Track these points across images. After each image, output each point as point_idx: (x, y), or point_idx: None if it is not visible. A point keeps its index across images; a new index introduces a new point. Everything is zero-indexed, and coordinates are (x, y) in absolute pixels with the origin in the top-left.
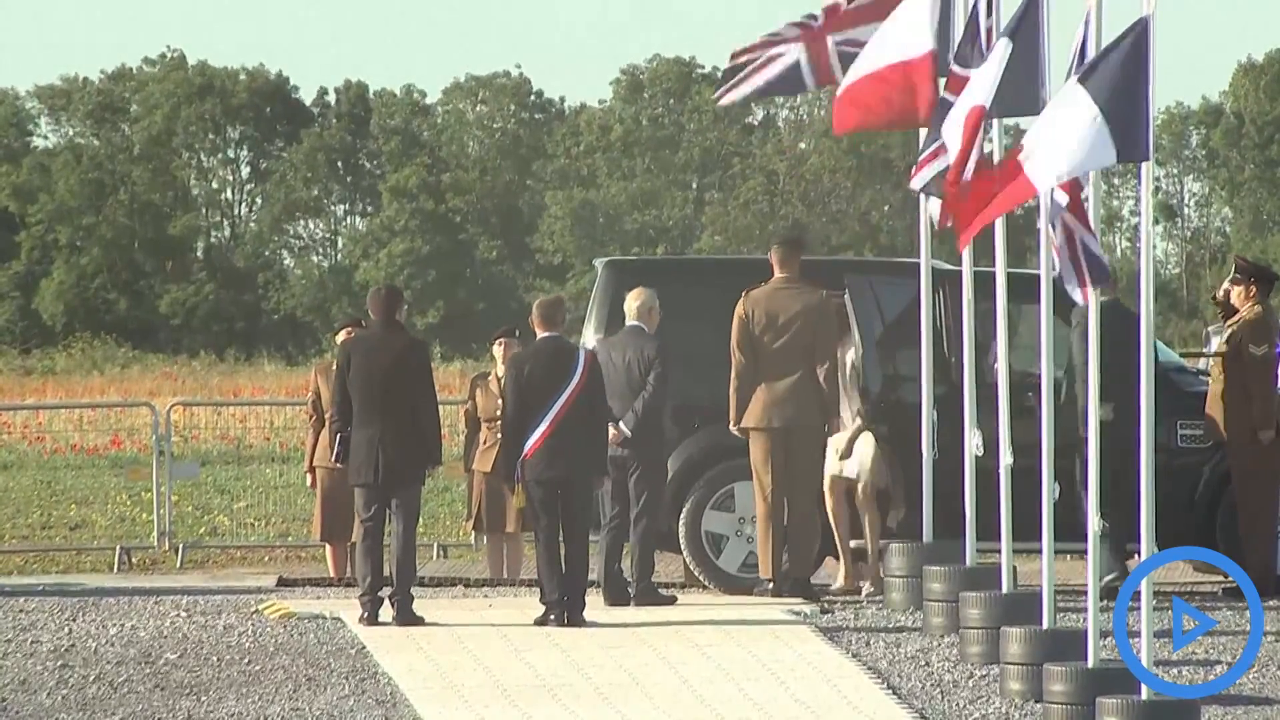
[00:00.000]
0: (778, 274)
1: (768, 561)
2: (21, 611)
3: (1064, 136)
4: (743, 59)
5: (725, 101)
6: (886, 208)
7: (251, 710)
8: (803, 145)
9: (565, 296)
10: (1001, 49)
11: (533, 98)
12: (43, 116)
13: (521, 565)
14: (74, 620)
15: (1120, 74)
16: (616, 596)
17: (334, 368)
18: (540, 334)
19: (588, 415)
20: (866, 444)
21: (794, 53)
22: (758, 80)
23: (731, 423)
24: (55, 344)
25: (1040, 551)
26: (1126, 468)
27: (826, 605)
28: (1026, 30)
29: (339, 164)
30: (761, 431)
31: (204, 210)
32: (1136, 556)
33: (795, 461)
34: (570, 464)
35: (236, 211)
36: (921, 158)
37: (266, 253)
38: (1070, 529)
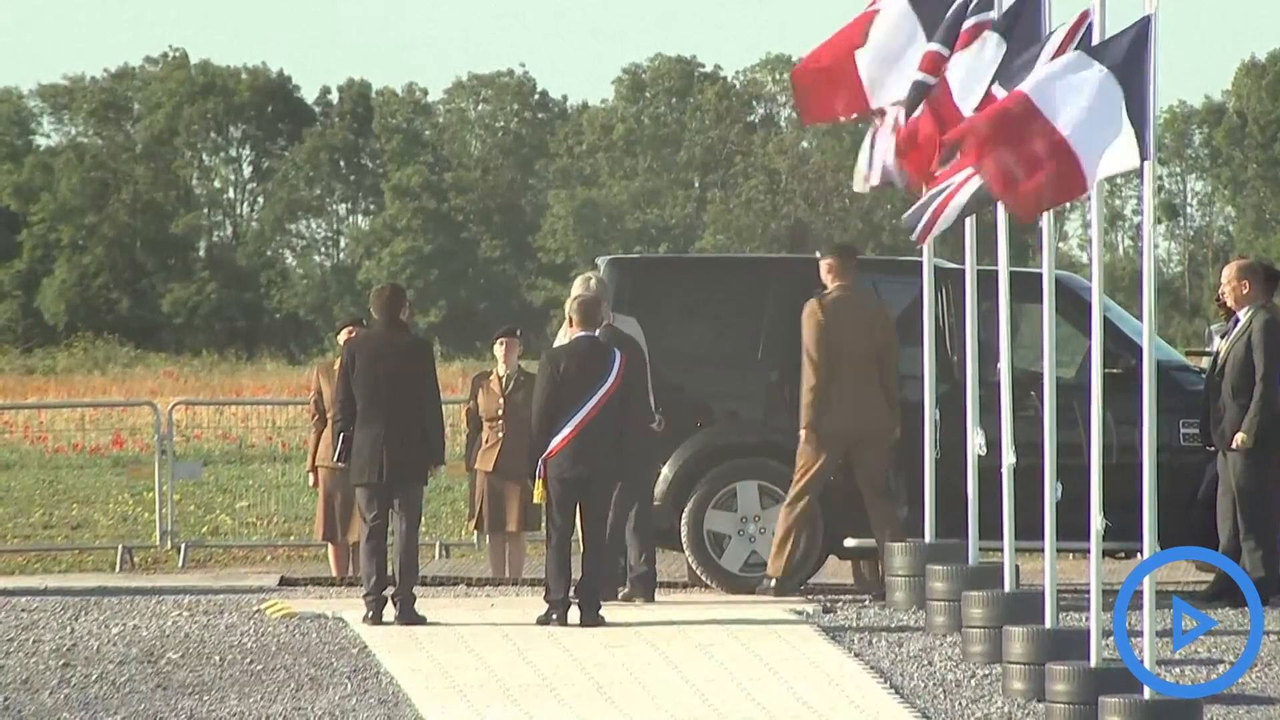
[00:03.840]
0: (838, 282)
1: (782, 562)
2: (24, 611)
3: (1105, 129)
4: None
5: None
6: (889, 206)
7: (254, 710)
8: (805, 144)
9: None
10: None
11: (535, 97)
12: (45, 115)
13: (524, 564)
14: (76, 619)
15: (1131, 73)
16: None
17: (335, 367)
18: (577, 333)
19: (617, 416)
20: None
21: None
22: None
23: (804, 426)
24: (57, 343)
25: (1043, 551)
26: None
27: (829, 605)
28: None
29: (341, 163)
30: (832, 437)
31: (206, 209)
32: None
33: (862, 466)
34: (595, 464)
35: (239, 210)
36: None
37: (269, 252)
38: (1073, 529)
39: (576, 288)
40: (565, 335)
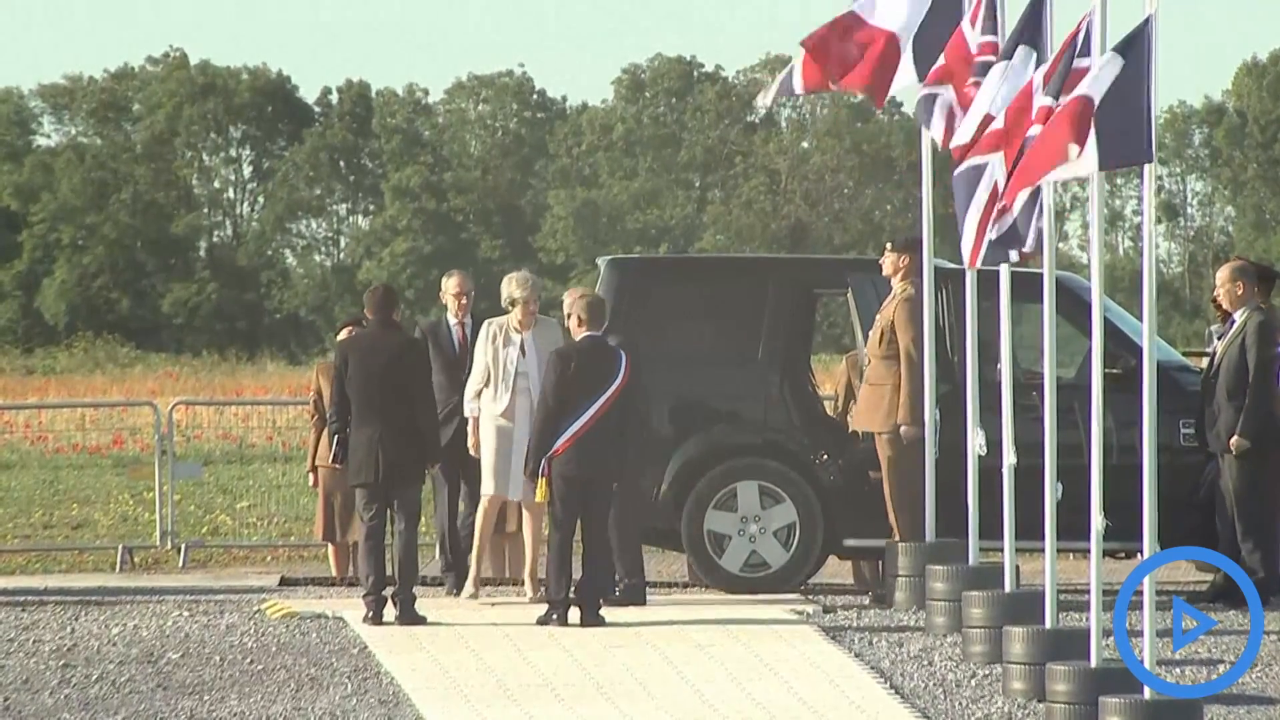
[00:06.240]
0: (910, 277)
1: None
2: (24, 611)
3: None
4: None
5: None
6: (889, 206)
7: (254, 710)
8: (805, 144)
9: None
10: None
11: (535, 97)
12: (45, 115)
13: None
14: (76, 620)
15: (1118, 76)
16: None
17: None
18: (583, 333)
19: (620, 417)
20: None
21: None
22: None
23: (910, 424)
24: (58, 343)
25: (1043, 551)
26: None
27: (829, 605)
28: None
29: (341, 163)
30: (921, 434)
31: (206, 209)
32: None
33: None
34: (599, 464)
35: (239, 211)
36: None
37: (269, 252)
38: (1073, 529)
39: (511, 286)
40: (487, 336)
